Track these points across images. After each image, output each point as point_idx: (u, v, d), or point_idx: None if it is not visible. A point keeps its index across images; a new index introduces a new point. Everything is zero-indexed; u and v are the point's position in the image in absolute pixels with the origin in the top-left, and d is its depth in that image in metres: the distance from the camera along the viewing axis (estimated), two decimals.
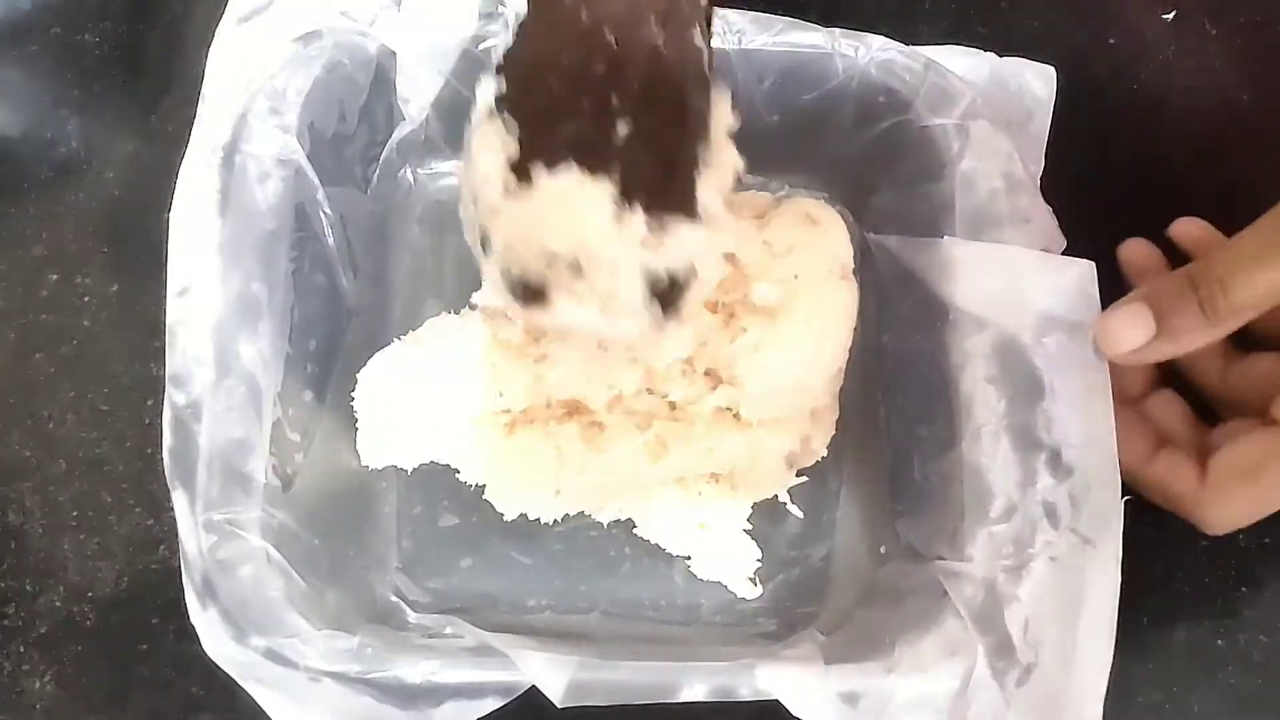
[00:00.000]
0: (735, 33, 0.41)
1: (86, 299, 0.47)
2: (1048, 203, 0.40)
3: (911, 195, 0.42)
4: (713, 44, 0.35)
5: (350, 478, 0.43)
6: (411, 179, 0.48)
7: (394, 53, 0.42)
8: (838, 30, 0.41)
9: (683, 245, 0.35)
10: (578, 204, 0.35)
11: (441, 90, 0.43)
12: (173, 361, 0.37)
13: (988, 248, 0.38)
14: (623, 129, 0.34)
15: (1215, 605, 0.43)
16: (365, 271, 0.45)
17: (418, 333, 0.44)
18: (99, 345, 0.46)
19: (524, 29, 0.36)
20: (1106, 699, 0.34)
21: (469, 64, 0.43)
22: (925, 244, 0.41)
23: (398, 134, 0.45)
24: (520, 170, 0.35)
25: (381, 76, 0.43)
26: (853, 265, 0.44)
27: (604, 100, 0.35)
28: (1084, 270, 0.37)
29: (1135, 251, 0.38)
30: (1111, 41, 0.50)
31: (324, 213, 0.42)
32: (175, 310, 0.37)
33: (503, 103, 0.36)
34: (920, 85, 0.41)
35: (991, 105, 0.41)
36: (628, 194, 0.34)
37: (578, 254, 0.35)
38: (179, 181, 0.38)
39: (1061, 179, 0.42)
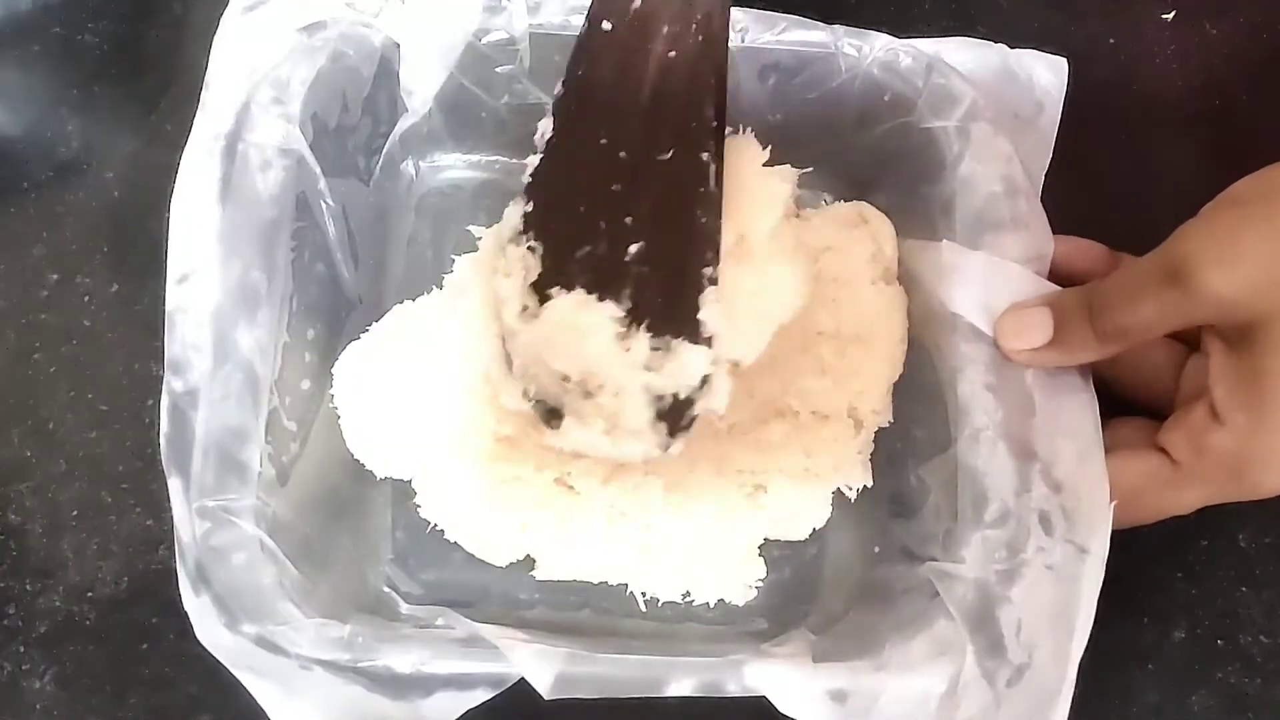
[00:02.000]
0: (739, 30, 0.41)
1: (86, 299, 0.47)
2: (1046, 203, 0.40)
3: (911, 196, 0.43)
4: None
5: (346, 468, 0.43)
6: (414, 171, 0.48)
7: (398, 44, 0.42)
8: (841, 28, 0.41)
9: (687, 366, 0.35)
10: (581, 326, 0.35)
11: (445, 83, 0.43)
12: (171, 348, 0.37)
13: (985, 260, 0.38)
14: (634, 250, 0.35)
15: (1215, 605, 0.43)
16: (365, 262, 0.45)
17: (384, 323, 0.44)
18: (99, 345, 0.46)
19: (550, 149, 0.36)
20: (1107, 700, 0.34)
21: (473, 57, 0.43)
22: (924, 246, 0.41)
23: (401, 125, 0.45)
24: (540, 291, 0.35)
25: (385, 68, 0.43)
26: (896, 269, 0.44)
27: (619, 221, 0.35)
28: None
29: (1059, 251, 0.39)
30: (1111, 41, 0.50)
31: (325, 203, 0.42)
32: (174, 297, 0.37)
33: (529, 222, 0.36)
34: (922, 86, 0.41)
35: (1000, 98, 0.41)
36: (634, 315, 0.35)
37: (585, 376, 0.35)
38: (181, 169, 0.38)
39: (1060, 179, 0.42)
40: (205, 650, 0.35)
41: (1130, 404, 0.40)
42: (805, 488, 0.42)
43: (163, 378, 0.45)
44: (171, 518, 0.43)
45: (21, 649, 0.42)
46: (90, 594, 0.43)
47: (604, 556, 0.41)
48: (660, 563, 0.42)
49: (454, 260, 0.45)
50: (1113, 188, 0.47)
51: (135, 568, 0.43)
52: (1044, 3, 0.47)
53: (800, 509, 0.42)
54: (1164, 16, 0.51)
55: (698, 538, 0.41)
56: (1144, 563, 0.42)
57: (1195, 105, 0.50)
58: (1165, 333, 0.36)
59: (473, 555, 0.42)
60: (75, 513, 0.44)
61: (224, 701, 0.41)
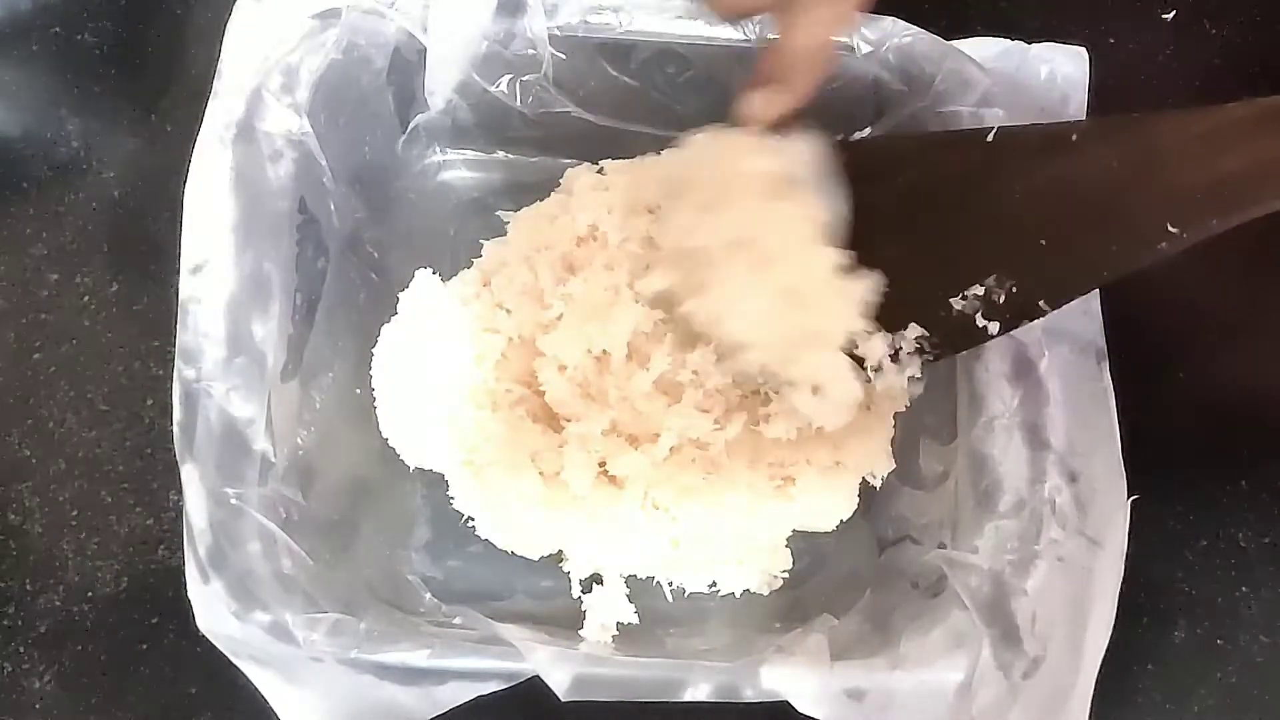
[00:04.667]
0: (756, 23, 0.41)
1: (86, 299, 0.47)
2: None
3: None
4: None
5: (375, 456, 0.43)
6: (424, 163, 0.48)
7: (412, 35, 0.42)
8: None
9: None
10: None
11: (461, 77, 0.44)
12: (184, 337, 0.37)
13: None
14: None
15: (1215, 605, 0.43)
16: (374, 253, 0.45)
17: (413, 305, 0.44)
18: (99, 345, 0.46)
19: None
20: (1108, 699, 0.34)
21: (492, 53, 0.43)
22: None
23: (414, 118, 0.45)
24: None
25: (398, 59, 0.43)
26: None
27: None
28: None
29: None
30: (1111, 41, 0.50)
31: (334, 194, 0.42)
32: (188, 286, 0.37)
33: None
34: (938, 70, 0.41)
35: (1023, 93, 0.41)
36: None
37: None
38: (194, 157, 0.38)
39: None
40: (205, 649, 0.35)
41: None
42: (833, 480, 0.42)
43: (162, 378, 0.45)
44: (171, 517, 0.43)
45: (21, 649, 0.42)
46: (90, 594, 0.43)
47: (635, 549, 0.42)
48: (689, 554, 0.42)
49: (482, 244, 0.45)
50: None
51: (135, 568, 0.43)
52: (1044, 3, 0.47)
53: (829, 501, 0.42)
54: (1164, 16, 0.51)
55: (727, 530, 0.41)
56: (1144, 563, 0.42)
57: (1195, 105, 0.50)
58: None
59: (495, 544, 0.42)
60: (75, 513, 0.44)
61: (224, 701, 0.41)
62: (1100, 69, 0.42)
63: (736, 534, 0.42)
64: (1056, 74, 0.42)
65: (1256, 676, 0.42)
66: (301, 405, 0.40)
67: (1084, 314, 0.38)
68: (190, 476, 0.36)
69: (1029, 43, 0.44)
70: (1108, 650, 0.34)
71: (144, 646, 0.42)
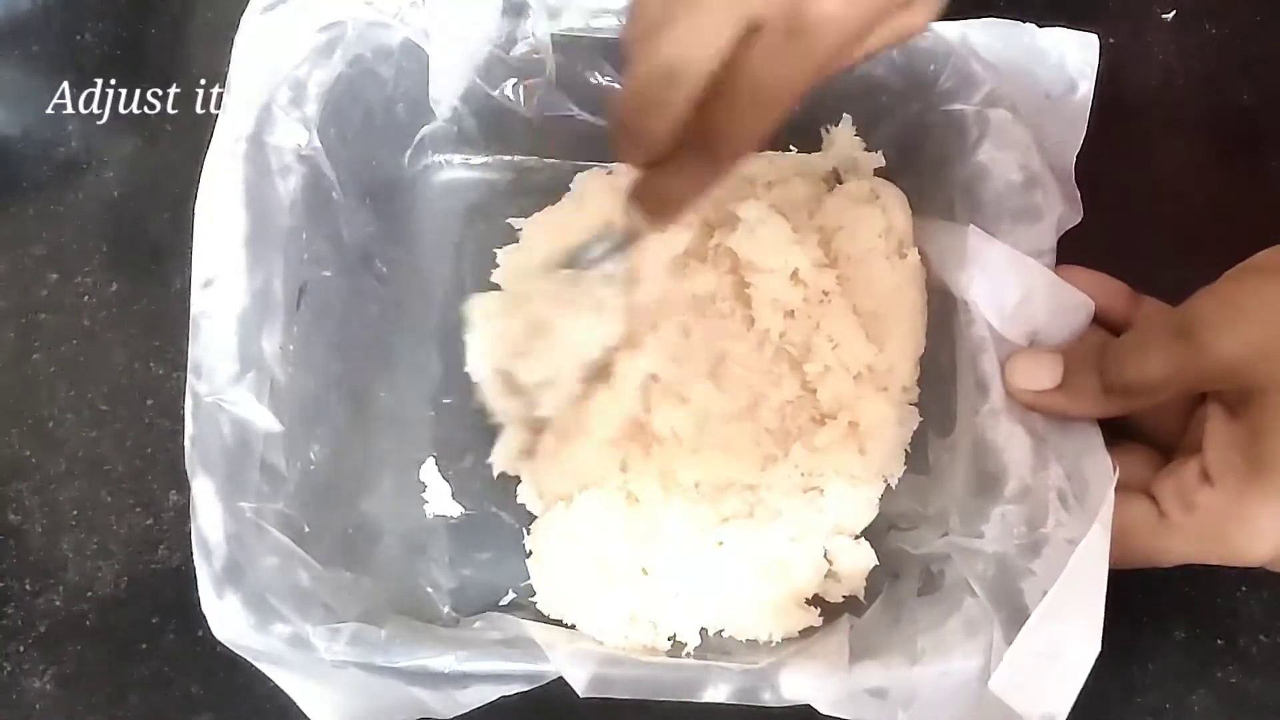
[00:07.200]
0: None
1: (86, 299, 0.47)
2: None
3: (933, 179, 0.43)
4: None
5: (381, 470, 0.43)
6: (433, 174, 0.48)
7: (418, 45, 0.42)
8: None
9: None
10: None
11: (465, 84, 0.44)
12: (195, 352, 0.37)
13: (1008, 253, 0.38)
14: None
15: (1215, 605, 0.43)
16: (384, 266, 0.45)
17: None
18: (99, 345, 0.46)
19: None
20: (1108, 699, 0.34)
21: (494, 58, 0.43)
22: (948, 228, 0.41)
23: (420, 128, 0.45)
24: None
25: (405, 69, 0.43)
26: (910, 241, 0.44)
27: None
28: (1083, 304, 0.38)
29: (1081, 284, 0.39)
30: (1111, 41, 0.50)
31: (343, 206, 0.42)
32: (199, 301, 0.37)
33: None
34: (943, 68, 0.41)
35: (1031, 78, 0.41)
36: None
37: None
38: (204, 172, 0.38)
39: None
40: (205, 649, 0.35)
41: (1136, 436, 0.39)
42: (859, 487, 0.42)
43: (162, 377, 0.45)
44: (171, 517, 0.44)
45: (21, 649, 0.42)
46: (90, 594, 0.43)
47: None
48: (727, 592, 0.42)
49: (495, 253, 0.46)
50: (1112, 188, 0.47)
51: (135, 568, 0.43)
52: (1043, 3, 0.47)
53: (855, 507, 0.42)
54: (1164, 16, 0.51)
55: (766, 555, 0.41)
56: None
57: (1195, 105, 0.50)
58: (1170, 394, 0.35)
59: (516, 553, 0.42)
60: (75, 513, 0.44)
61: (224, 701, 0.41)
62: (1100, 69, 0.42)
63: (774, 560, 0.41)
64: (1065, 60, 0.42)
65: (1256, 676, 0.42)
66: (313, 420, 0.40)
67: (1074, 327, 0.38)
68: (204, 491, 0.36)
69: None
70: (1108, 650, 0.34)
71: (144, 646, 0.42)
